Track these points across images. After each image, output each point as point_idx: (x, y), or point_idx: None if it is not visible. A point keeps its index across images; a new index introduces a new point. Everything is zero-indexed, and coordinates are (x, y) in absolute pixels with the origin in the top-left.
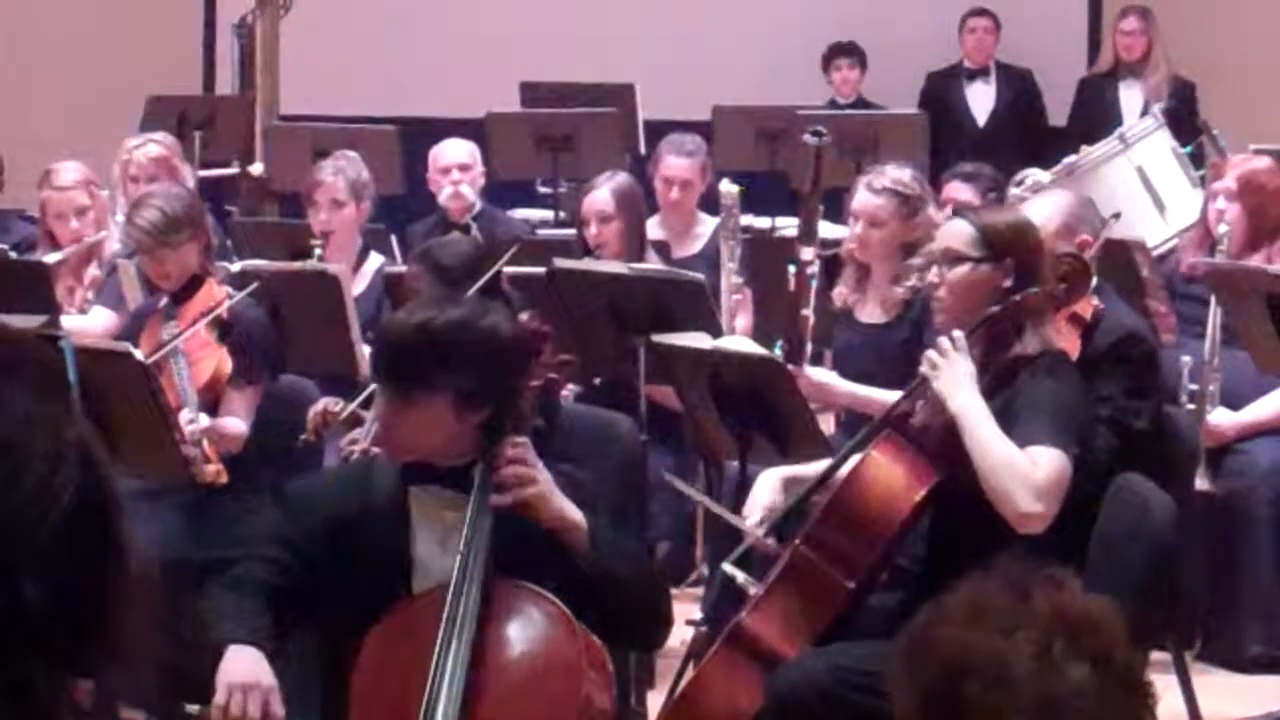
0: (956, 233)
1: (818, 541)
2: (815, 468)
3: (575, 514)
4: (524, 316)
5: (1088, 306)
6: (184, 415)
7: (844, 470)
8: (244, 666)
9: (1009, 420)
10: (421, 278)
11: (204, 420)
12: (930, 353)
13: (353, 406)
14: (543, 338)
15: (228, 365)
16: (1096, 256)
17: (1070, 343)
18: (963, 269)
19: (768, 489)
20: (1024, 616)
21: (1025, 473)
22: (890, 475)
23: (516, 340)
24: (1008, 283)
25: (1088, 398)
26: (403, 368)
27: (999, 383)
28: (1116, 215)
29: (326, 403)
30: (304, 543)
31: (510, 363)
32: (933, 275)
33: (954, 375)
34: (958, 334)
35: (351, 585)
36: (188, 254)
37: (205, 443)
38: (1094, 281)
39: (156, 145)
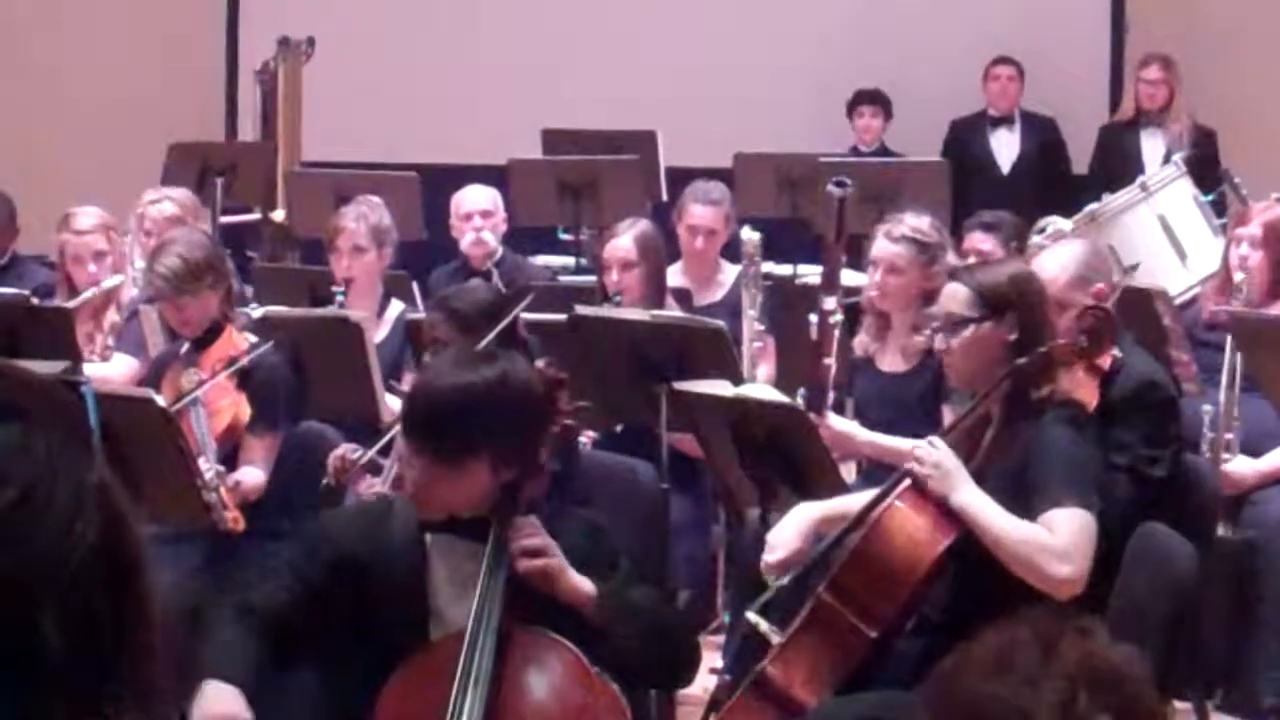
0: (954, 295)
1: (841, 591)
2: (849, 502)
3: (585, 587)
4: (539, 364)
5: (1107, 357)
6: (201, 463)
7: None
8: (222, 702)
9: (1024, 478)
10: (440, 325)
11: (221, 470)
12: (914, 463)
13: (371, 453)
14: (558, 385)
15: (246, 412)
16: (1115, 306)
17: (1089, 392)
18: (966, 332)
19: (796, 533)
20: (1049, 667)
21: (1044, 542)
22: (914, 526)
23: (544, 394)
24: (1013, 336)
25: (1103, 449)
26: (446, 433)
27: (1014, 432)
28: (1134, 266)
29: (346, 449)
30: (316, 574)
31: (541, 419)
32: (939, 342)
33: (945, 474)
34: (933, 439)
35: (368, 630)
36: (208, 301)
37: (223, 490)
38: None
39: (171, 204)
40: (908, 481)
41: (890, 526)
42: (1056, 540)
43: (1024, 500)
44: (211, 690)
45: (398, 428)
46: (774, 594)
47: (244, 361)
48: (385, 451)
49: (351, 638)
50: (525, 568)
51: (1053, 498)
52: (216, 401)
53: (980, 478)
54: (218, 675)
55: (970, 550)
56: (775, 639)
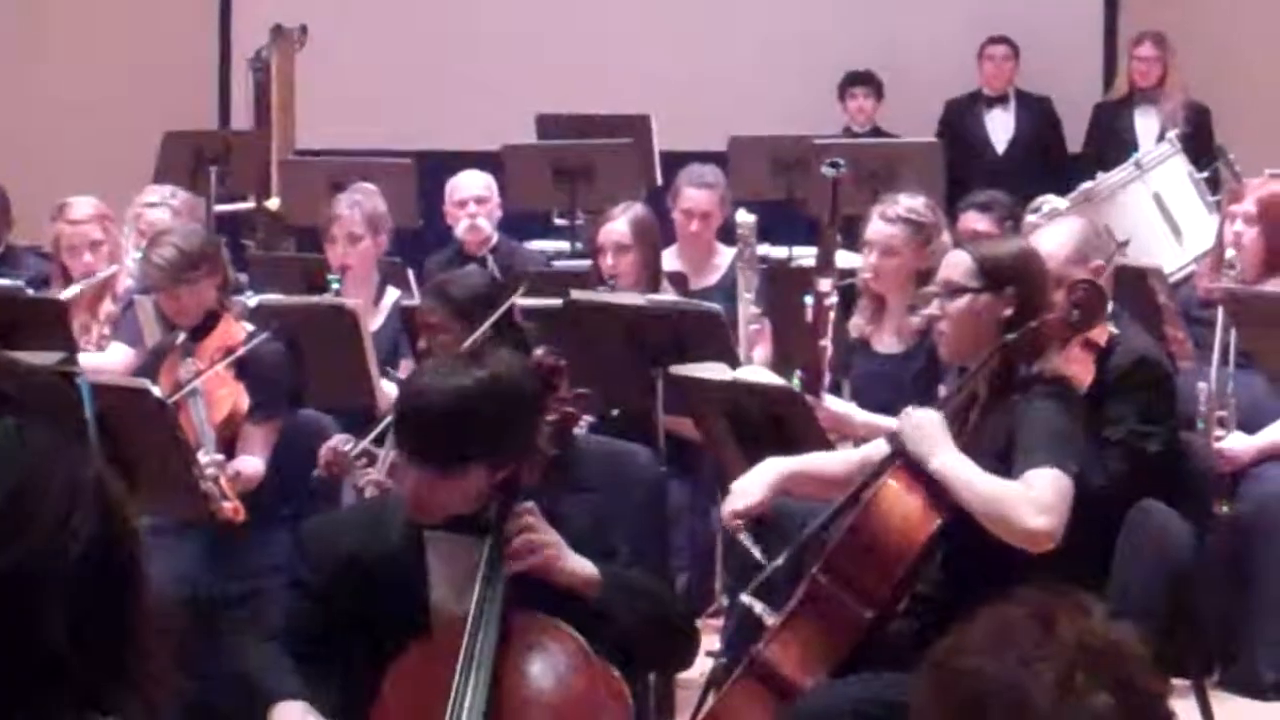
0: (956, 264)
1: (835, 571)
2: (819, 460)
3: (587, 570)
4: (539, 351)
5: (1102, 333)
6: (201, 454)
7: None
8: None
9: (1009, 448)
10: (434, 312)
11: (220, 459)
12: (900, 419)
13: (364, 444)
14: (558, 372)
15: (244, 401)
16: (1110, 282)
17: (1085, 368)
18: (963, 300)
19: (760, 484)
20: (1047, 645)
21: (1020, 495)
22: (907, 504)
23: (537, 391)
24: (1009, 312)
25: (1089, 425)
26: (443, 443)
27: (1001, 406)
28: (1125, 243)
29: (337, 441)
30: (323, 586)
31: (535, 414)
32: (934, 308)
33: (924, 435)
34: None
35: (369, 627)
36: (204, 291)
37: (223, 480)
38: (1109, 307)
39: (168, 210)
40: (900, 459)
41: (884, 505)
42: (1033, 493)
43: (1009, 476)
44: (283, 710)
45: (390, 416)
46: (769, 576)
47: (242, 351)
48: (379, 441)
49: (355, 635)
50: (521, 566)
51: (1032, 460)
52: (215, 391)
53: (968, 456)
54: (281, 694)
55: (965, 529)
56: (770, 620)
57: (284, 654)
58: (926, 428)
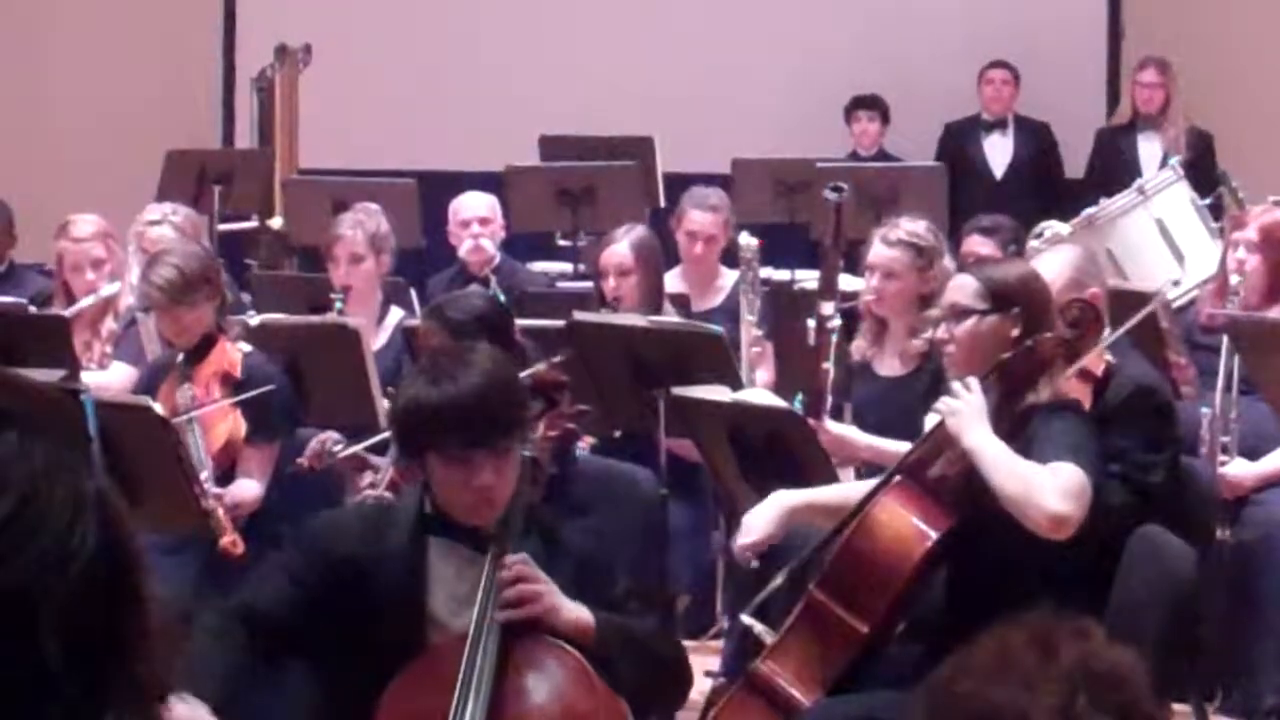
0: (962, 287)
1: (832, 587)
2: (827, 493)
3: (583, 617)
4: (540, 367)
5: (1099, 362)
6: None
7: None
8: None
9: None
10: (434, 334)
11: (219, 493)
12: (944, 398)
13: (357, 449)
14: (560, 388)
15: (242, 428)
16: (1110, 308)
17: (1082, 399)
18: (970, 322)
19: (771, 519)
20: (1048, 669)
21: (1046, 479)
22: (903, 521)
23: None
24: (1016, 333)
25: (1100, 444)
26: (502, 423)
27: (1013, 432)
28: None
29: (328, 437)
30: (311, 575)
31: None
32: (941, 331)
33: (966, 413)
34: (971, 379)
35: (364, 633)
36: (203, 312)
37: (221, 513)
38: (1105, 329)
39: (171, 228)
40: (898, 478)
41: (879, 522)
42: (1059, 480)
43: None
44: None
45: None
46: (769, 595)
47: (239, 377)
48: (378, 451)
49: (348, 641)
50: (514, 616)
51: (1054, 455)
52: (213, 422)
53: (973, 480)
54: (190, 689)
55: (964, 551)
56: (769, 640)
57: (223, 647)
58: (973, 404)
